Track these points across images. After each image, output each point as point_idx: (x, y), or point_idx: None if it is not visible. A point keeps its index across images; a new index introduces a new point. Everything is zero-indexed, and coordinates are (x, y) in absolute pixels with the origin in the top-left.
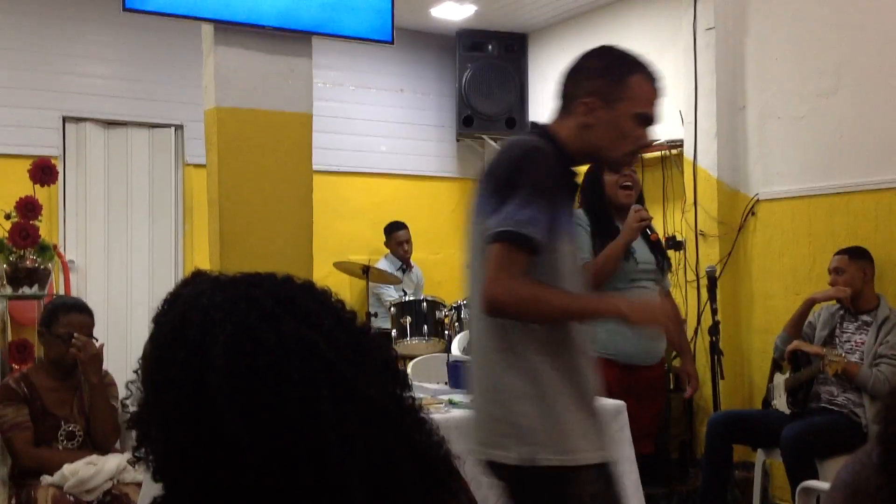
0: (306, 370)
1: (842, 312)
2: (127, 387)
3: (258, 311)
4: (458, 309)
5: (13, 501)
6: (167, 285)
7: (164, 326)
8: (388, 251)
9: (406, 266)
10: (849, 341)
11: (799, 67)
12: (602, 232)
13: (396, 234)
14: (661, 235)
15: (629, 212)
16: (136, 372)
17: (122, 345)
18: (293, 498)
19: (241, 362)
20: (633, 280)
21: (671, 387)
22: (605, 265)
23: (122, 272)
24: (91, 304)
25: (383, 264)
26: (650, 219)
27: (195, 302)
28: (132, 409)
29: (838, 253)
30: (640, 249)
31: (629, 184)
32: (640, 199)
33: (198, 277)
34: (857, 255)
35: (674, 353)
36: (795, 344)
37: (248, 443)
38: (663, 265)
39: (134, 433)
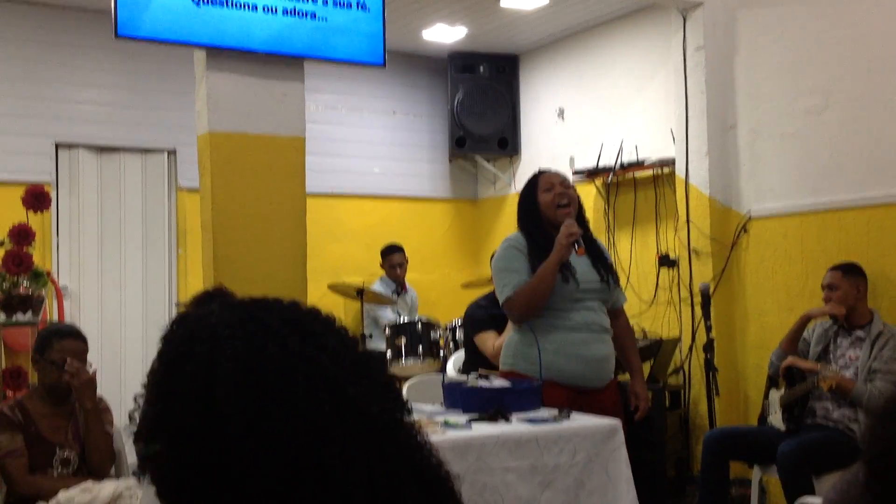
0: (311, 387)
1: (836, 328)
2: (135, 400)
3: (265, 329)
4: (452, 329)
5: None
6: (161, 310)
7: (172, 342)
8: (384, 273)
9: (401, 288)
10: (843, 356)
11: (788, 85)
12: (538, 253)
13: (391, 257)
14: (654, 253)
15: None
16: (143, 386)
17: (116, 370)
18: None
19: (248, 377)
20: (576, 300)
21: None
22: (538, 286)
23: (116, 297)
24: (85, 330)
25: (378, 286)
26: (579, 233)
27: (204, 320)
28: (138, 423)
29: (831, 269)
30: (582, 269)
31: (565, 202)
32: (581, 216)
33: (206, 298)
34: (850, 272)
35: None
36: (790, 360)
37: (252, 456)
38: (609, 281)
39: (136, 448)
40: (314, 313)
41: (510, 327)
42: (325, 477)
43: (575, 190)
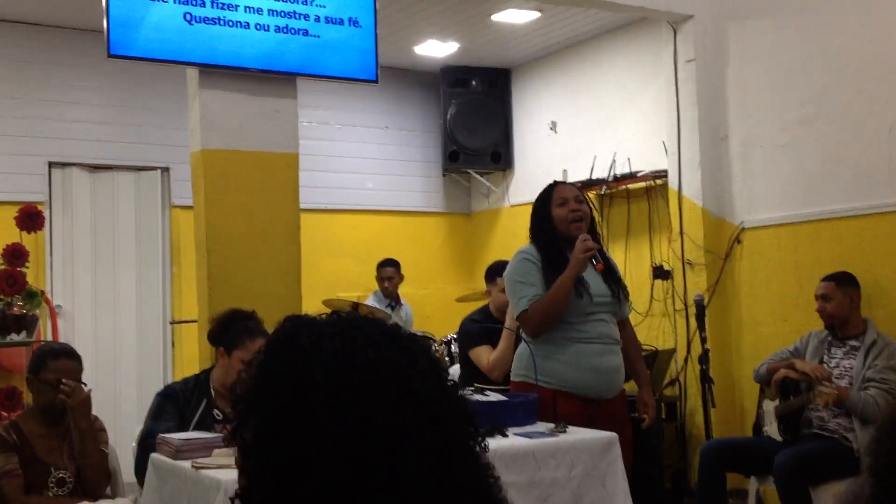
0: (397, 394)
1: (829, 338)
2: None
3: (364, 336)
4: (447, 344)
5: None
6: (156, 329)
7: (278, 334)
8: (377, 287)
9: (395, 303)
10: (837, 366)
11: (779, 97)
12: (552, 266)
13: (381, 270)
14: (648, 265)
15: (576, 242)
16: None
17: (110, 389)
18: None
19: (342, 371)
20: (588, 314)
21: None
22: (554, 299)
23: (110, 316)
24: (79, 349)
25: (371, 301)
26: (596, 248)
27: (310, 321)
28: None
29: (824, 279)
30: (594, 283)
31: (579, 217)
32: (593, 229)
33: (307, 316)
34: (844, 282)
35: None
36: (783, 372)
37: (331, 445)
38: (619, 294)
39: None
40: (412, 335)
41: (505, 336)
42: (393, 481)
43: (588, 204)
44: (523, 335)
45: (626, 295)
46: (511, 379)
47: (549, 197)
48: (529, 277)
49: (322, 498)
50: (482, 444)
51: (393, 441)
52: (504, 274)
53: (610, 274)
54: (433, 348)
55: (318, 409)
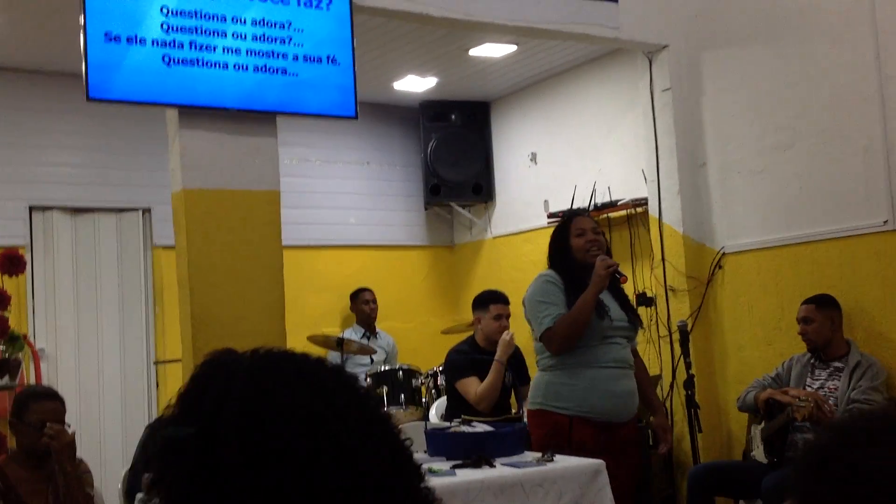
0: (311, 439)
1: (813, 361)
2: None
3: (277, 378)
4: (433, 376)
5: None
6: (139, 370)
7: (195, 378)
8: (354, 321)
9: (371, 332)
10: (822, 388)
11: (755, 123)
12: (574, 287)
13: (361, 296)
14: (631, 292)
15: (596, 263)
16: (159, 418)
17: (95, 432)
18: None
19: (250, 420)
20: (605, 337)
21: (649, 443)
22: (578, 316)
23: (93, 358)
24: (63, 392)
25: (348, 334)
26: (617, 265)
27: (225, 362)
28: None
29: (805, 302)
30: (614, 308)
31: (596, 249)
32: (608, 254)
33: (245, 351)
34: (824, 304)
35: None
36: (769, 392)
37: (246, 497)
38: (635, 323)
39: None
40: (335, 371)
41: (494, 368)
42: None
43: (604, 234)
44: (539, 364)
45: (641, 324)
46: (529, 408)
47: (568, 228)
48: (552, 297)
49: None
50: (422, 478)
51: (309, 489)
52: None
53: (625, 301)
54: (359, 382)
55: (226, 465)
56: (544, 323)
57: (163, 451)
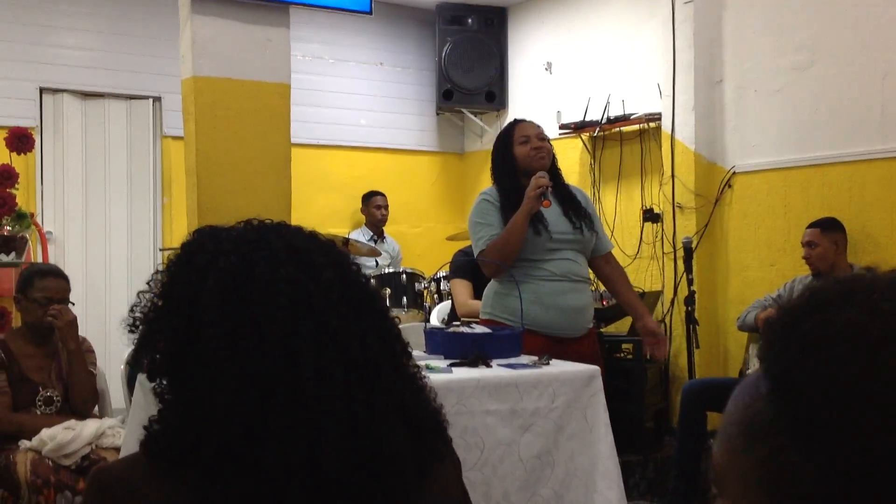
0: (291, 311)
1: (814, 283)
2: (137, 296)
3: (265, 250)
4: (437, 281)
5: None
6: (146, 257)
7: (183, 248)
8: (363, 222)
9: (378, 236)
10: None
11: (775, 41)
12: (510, 206)
13: (374, 199)
14: (638, 208)
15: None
16: (147, 283)
17: (100, 317)
18: (267, 426)
19: (231, 291)
20: (552, 251)
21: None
22: (508, 239)
23: (101, 244)
24: (69, 274)
25: (356, 235)
26: (548, 185)
27: (218, 234)
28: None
29: (810, 226)
30: (554, 220)
31: (542, 155)
32: (554, 166)
33: (240, 223)
34: (829, 228)
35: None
36: (769, 312)
37: (224, 367)
38: (582, 227)
39: (137, 335)
40: (326, 246)
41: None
42: (295, 400)
43: (549, 141)
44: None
45: (591, 227)
46: (481, 316)
47: (511, 135)
48: (487, 218)
49: (224, 424)
50: (407, 353)
51: (288, 360)
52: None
53: (572, 208)
54: (350, 260)
55: (206, 334)
56: (478, 245)
57: (153, 311)
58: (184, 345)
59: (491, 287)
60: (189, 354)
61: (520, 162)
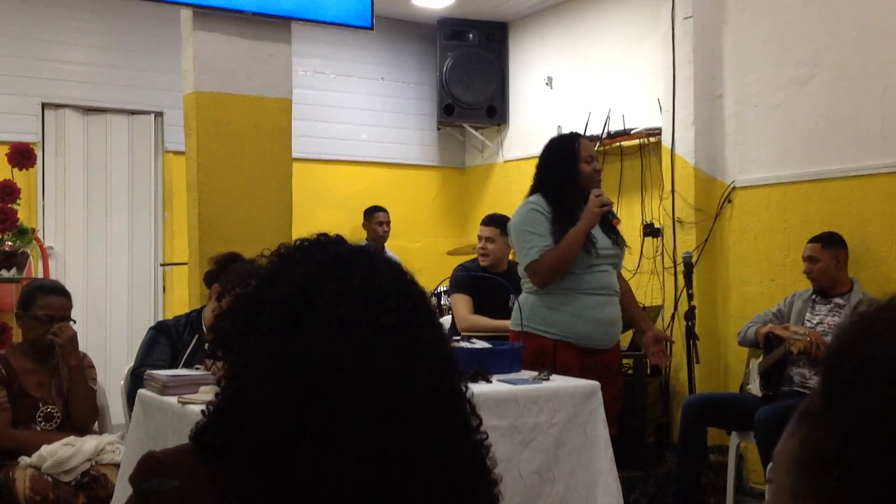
0: (337, 338)
1: (814, 297)
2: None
3: (341, 277)
4: (437, 296)
5: None
6: (147, 272)
7: (285, 250)
8: (364, 237)
9: (380, 251)
10: (821, 323)
11: (775, 56)
12: (563, 219)
13: (377, 215)
14: (638, 222)
15: (590, 197)
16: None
17: (101, 332)
18: (301, 435)
19: (294, 304)
20: (592, 265)
21: (647, 371)
22: (566, 252)
23: (102, 259)
24: (70, 290)
25: None
26: (611, 203)
27: (316, 248)
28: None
29: (811, 241)
30: (599, 236)
31: (600, 176)
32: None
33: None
34: (830, 243)
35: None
36: (769, 327)
37: (267, 367)
38: (621, 247)
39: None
40: (405, 293)
41: (497, 324)
42: (328, 419)
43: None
44: (523, 285)
45: (624, 243)
46: (512, 328)
47: (576, 151)
48: (538, 228)
49: (262, 438)
50: (474, 415)
51: (324, 384)
52: (510, 224)
53: (607, 224)
54: (427, 319)
55: (261, 348)
56: (530, 255)
57: (223, 322)
58: (243, 331)
59: (527, 299)
60: (247, 341)
61: (583, 179)
